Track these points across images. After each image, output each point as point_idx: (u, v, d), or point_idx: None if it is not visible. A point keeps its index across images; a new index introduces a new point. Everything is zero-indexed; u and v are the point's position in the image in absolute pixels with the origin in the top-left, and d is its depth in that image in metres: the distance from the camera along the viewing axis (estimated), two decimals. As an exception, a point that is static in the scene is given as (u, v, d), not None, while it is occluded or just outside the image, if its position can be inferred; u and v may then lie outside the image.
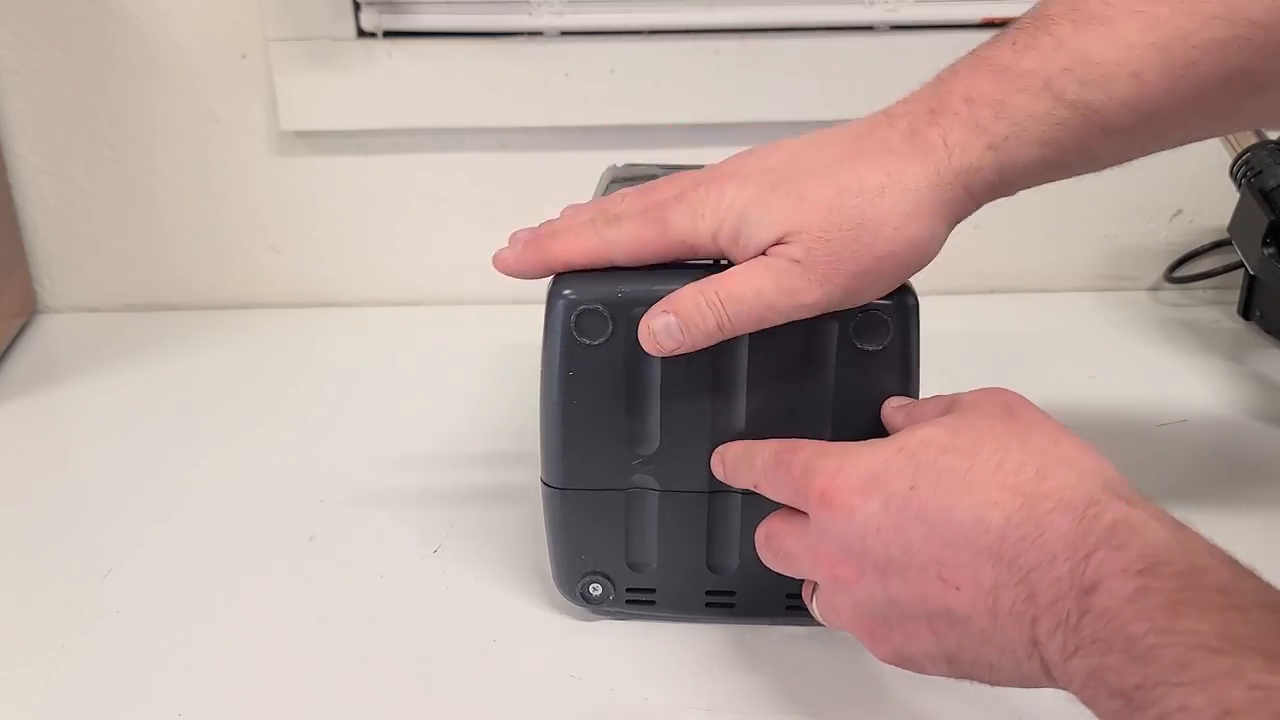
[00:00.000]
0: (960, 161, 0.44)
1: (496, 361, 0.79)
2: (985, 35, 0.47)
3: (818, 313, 0.45)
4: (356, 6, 0.80)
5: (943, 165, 0.44)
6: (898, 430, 0.44)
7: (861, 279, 0.44)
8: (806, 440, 0.45)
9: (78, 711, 0.50)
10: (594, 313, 0.47)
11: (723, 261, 0.46)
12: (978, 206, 0.46)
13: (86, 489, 0.67)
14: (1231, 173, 0.78)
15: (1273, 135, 0.77)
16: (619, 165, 0.65)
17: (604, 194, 0.59)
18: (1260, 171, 0.75)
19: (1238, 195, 0.77)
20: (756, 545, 0.47)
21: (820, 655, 0.52)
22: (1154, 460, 0.66)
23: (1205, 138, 0.49)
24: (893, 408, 0.47)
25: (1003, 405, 0.42)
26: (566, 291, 0.47)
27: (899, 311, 0.47)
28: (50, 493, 0.66)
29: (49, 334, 0.86)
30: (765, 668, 0.51)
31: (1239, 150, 0.77)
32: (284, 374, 0.79)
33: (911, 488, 0.39)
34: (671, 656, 0.52)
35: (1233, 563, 0.34)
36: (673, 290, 0.46)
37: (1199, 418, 0.71)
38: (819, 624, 0.46)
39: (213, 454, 0.69)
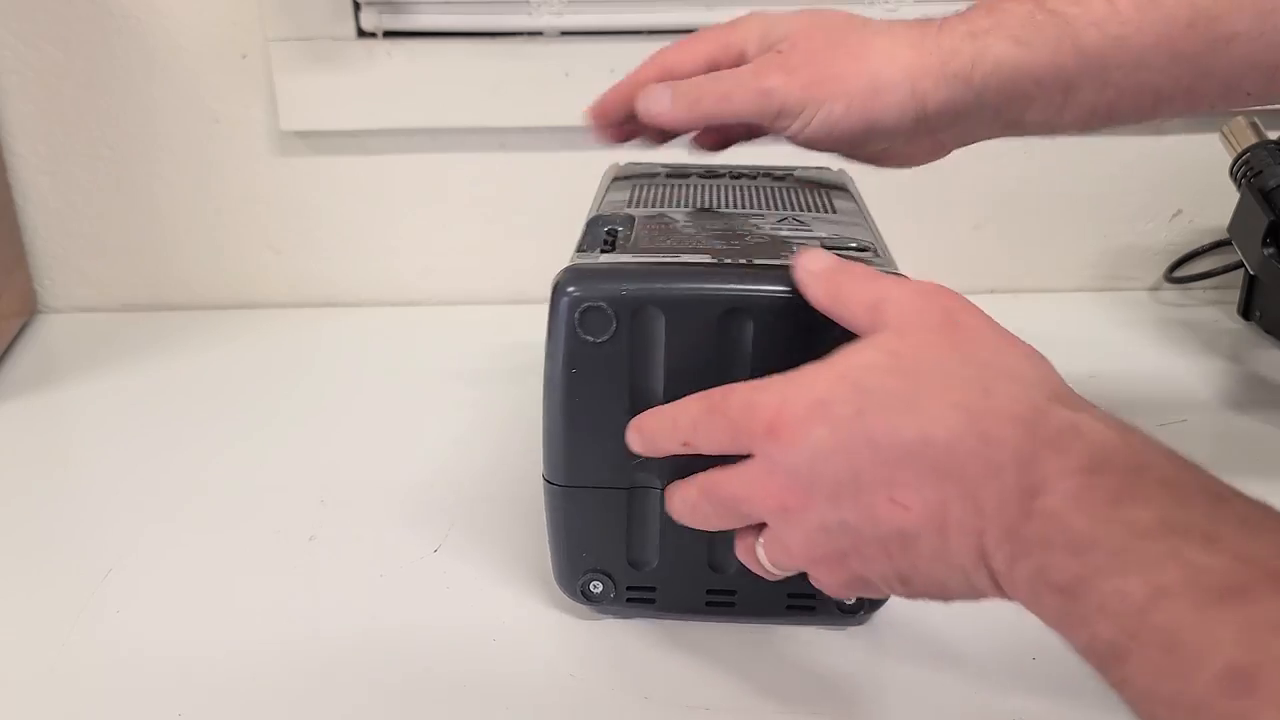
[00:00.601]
0: (945, 40, 0.51)
1: (496, 361, 0.79)
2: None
3: (775, 104, 0.51)
4: (356, 6, 0.80)
5: (929, 38, 0.51)
6: (806, 274, 0.45)
7: (822, 85, 0.51)
8: (734, 383, 0.43)
9: (78, 711, 0.50)
10: (598, 310, 0.47)
11: (740, 261, 0.47)
12: (948, 93, 0.51)
13: (86, 489, 0.67)
14: (1231, 173, 0.78)
15: (1273, 135, 0.77)
16: (620, 164, 0.65)
17: (605, 194, 0.59)
18: (1260, 171, 0.75)
19: (1238, 195, 0.77)
20: (682, 510, 0.46)
21: (820, 655, 0.52)
22: (1154, 460, 0.66)
23: (1179, 95, 0.51)
24: (810, 275, 0.45)
25: (942, 312, 0.41)
26: (571, 289, 0.47)
27: None
28: (50, 493, 0.66)
29: (49, 334, 0.86)
30: (765, 667, 0.51)
31: (1239, 150, 0.77)
32: (284, 374, 0.79)
33: (858, 412, 0.39)
34: (671, 656, 0.52)
35: (1176, 457, 0.35)
36: (677, 289, 0.46)
37: (1199, 418, 0.71)
38: (819, 623, 0.46)
39: (213, 454, 0.69)
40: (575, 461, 0.50)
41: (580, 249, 0.50)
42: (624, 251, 0.49)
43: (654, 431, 0.46)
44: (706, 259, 0.48)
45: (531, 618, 0.55)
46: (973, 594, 0.38)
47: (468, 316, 0.87)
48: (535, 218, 0.88)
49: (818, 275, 0.44)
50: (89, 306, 0.89)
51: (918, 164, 0.57)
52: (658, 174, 0.62)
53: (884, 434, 0.38)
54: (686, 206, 0.56)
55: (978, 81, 0.50)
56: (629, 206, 0.56)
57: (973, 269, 0.89)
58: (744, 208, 0.56)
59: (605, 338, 0.47)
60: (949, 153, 0.56)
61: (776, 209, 0.56)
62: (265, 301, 0.89)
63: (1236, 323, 0.83)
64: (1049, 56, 0.49)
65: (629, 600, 0.53)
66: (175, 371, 0.80)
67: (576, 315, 0.47)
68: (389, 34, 0.81)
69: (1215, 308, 0.86)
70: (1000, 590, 0.37)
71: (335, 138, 0.85)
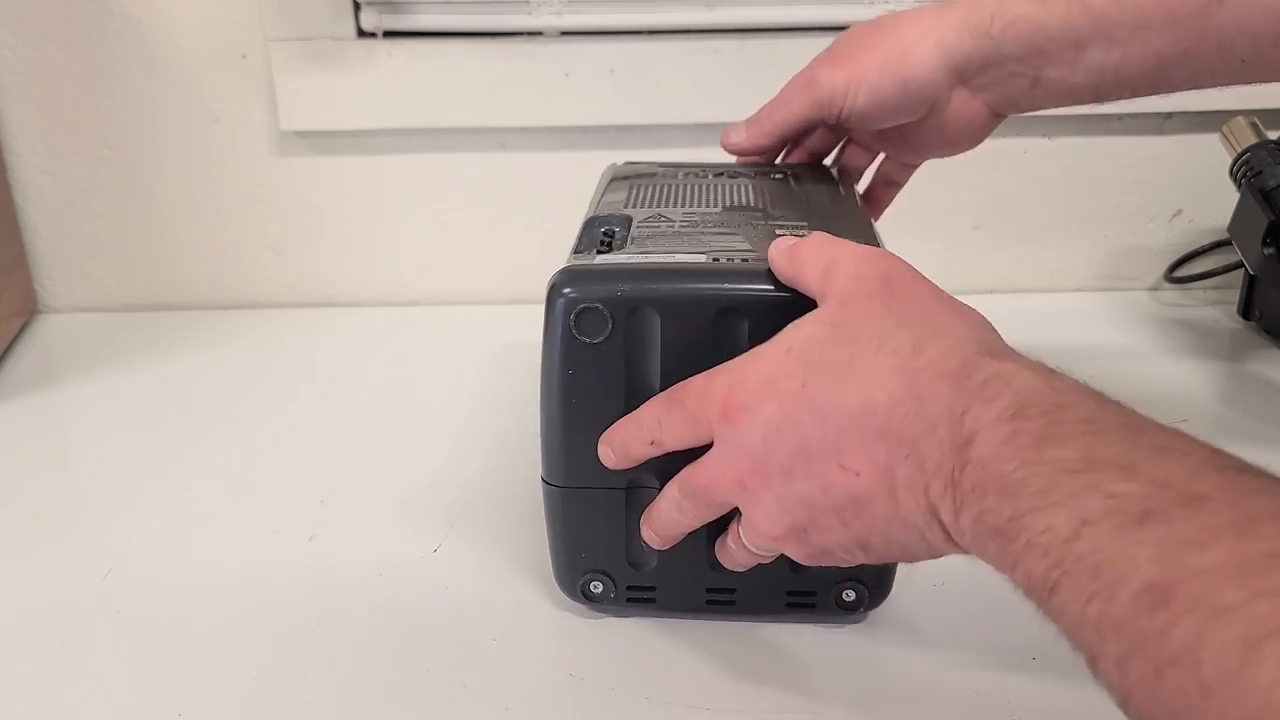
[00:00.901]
0: (965, 2, 0.57)
1: (496, 361, 0.79)
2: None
3: (825, 90, 0.59)
4: (356, 6, 0.80)
5: (951, 4, 0.58)
6: (775, 251, 0.46)
7: (858, 61, 0.58)
8: (692, 376, 0.45)
9: (78, 711, 0.50)
10: (593, 311, 0.47)
11: (736, 260, 0.48)
12: (972, 43, 0.57)
13: (86, 489, 0.67)
14: (1231, 173, 0.78)
15: (1273, 135, 0.77)
16: (619, 164, 0.65)
17: (603, 194, 0.59)
18: (1260, 171, 0.75)
19: (1238, 195, 0.77)
20: (669, 510, 0.47)
21: (820, 655, 0.52)
22: (1154, 460, 0.66)
23: (1179, 59, 0.54)
24: (778, 250, 0.47)
25: (881, 278, 0.43)
26: (566, 290, 0.47)
27: None
28: (50, 492, 0.66)
29: (49, 334, 0.86)
30: (765, 667, 0.51)
31: (1239, 150, 0.77)
32: (284, 374, 0.79)
33: (803, 385, 0.40)
34: (671, 656, 0.52)
35: (1097, 396, 0.37)
36: (672, 289, 0.46)
37: (1199, 418, 0.71)
38: (820, 621, 0.46)
39: (213, 454, 0.69)
40: (573, 462, 0.50)
41: (577, 250, 0.50)
42: (621, 252, 0.49)
43: (623, 439, 0.48)
44: (702, 258, 0.48)
45: (531, 618, 0.55)
46: (930, 551, 0.40)
47: (468, 316, 0.87)
48: (535, 218, 0.88)
49: (783, 250, 0.46)
50: (89, 306, 0.89)
51: (965, 142, 0.62)
52: (655, 174, 0.62)
53: (828, 403, 0.40)
54: (684, 205, 0.56)
55: (997, 34, 0.56)
56: (626, 206, 0.56)
57: (973, 269, 0.89)
58: (742, 205, 0.56)
59: (601, 339, 0.47)
60: (988, 130, 0.62)
61: (774, 206, 0.56)
62: (265, 301, 0.89)
63: (1236, 323, 0.83)
64: (1061, 14, 0.55)
65: (629, 600, 0.53)
66: (175, 371, 0.80)
67: (572, 317, 0.47)
68: (389, 34, 0.81)
69: (1215, 308, 0.86)
70: (954, 544, 0.38)
71: (335, 138, 0.85)
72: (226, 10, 0.81)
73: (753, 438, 0.41)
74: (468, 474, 0.66)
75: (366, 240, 0.88)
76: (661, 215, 0.54)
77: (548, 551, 0.53)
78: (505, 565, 0.58)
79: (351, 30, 0.81)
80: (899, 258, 0.44)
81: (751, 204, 0.56)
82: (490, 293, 0.89)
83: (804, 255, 0.45)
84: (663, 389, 0.48)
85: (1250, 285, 0.81)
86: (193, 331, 0.85)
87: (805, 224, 0.52)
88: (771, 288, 0.46)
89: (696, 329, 0.47)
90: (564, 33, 0.81)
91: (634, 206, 0.56)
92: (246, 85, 0.83)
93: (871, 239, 0.52)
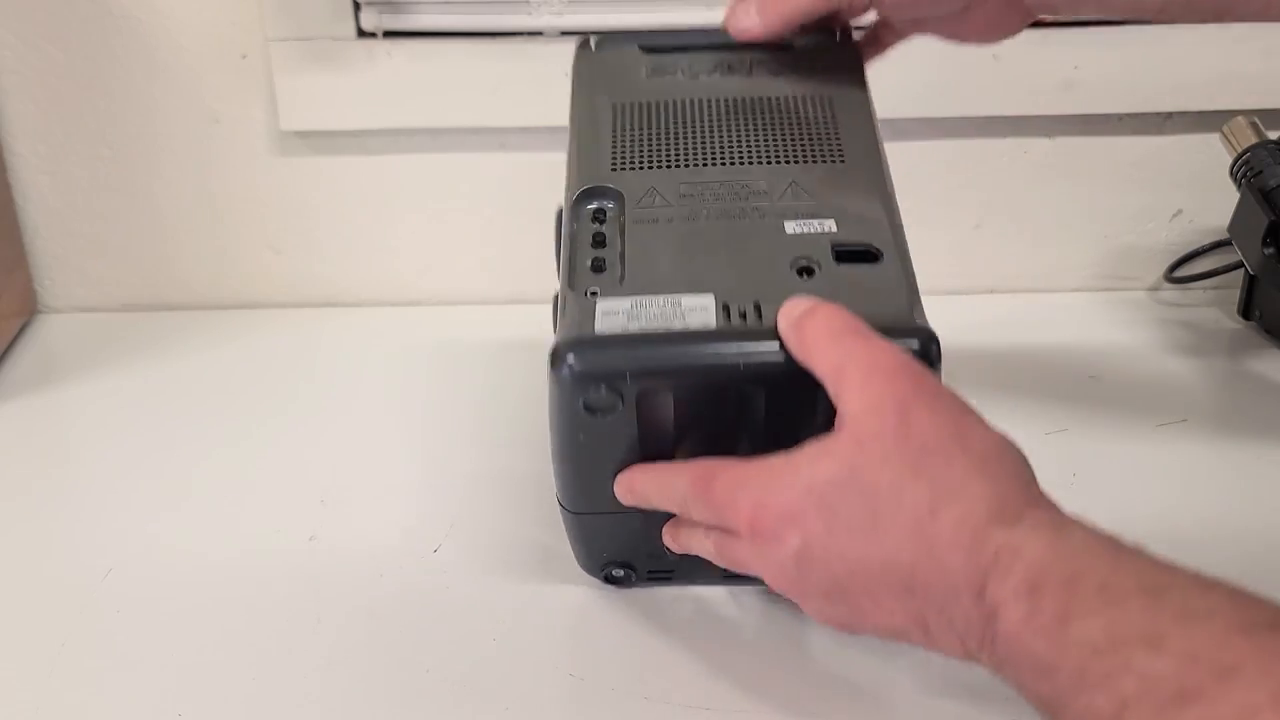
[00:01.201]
0: None
1: (496, 361, 0.79)
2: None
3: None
4: (356, 6, 0.80)
5: None
6: (785, 324, 0.44)
7: None
8: (717, 464, 0.45)
9: (78, 711, 0.50)
10: (600, 389, 0.45)
11: (747, 322, 0.46)
12: None
13: (86, 489, 0.67)
14: (1231, 173, 0.78)
15: (1273, 135, 0.77)
16: (591, 43, 0.62)
17: (587, 118, 0.56)
18: (1260, 171, 0.75)
19: (1238, 195, 0.77)
20: (691, 544, 0.48)
21: (820, 655, 0.52)
22: (1154, 460, 0.66)
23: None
24: (788, 322, 0.45)
25: (896, 410, 0.41)
26: (570, 362, 0.45)
27: None
28: (50, 492, 0.66)
29: (49, 334, 0.86)
30: (765, 667, 0.51)
31: (1239, 150, 0.77)
32: (284, 374, 0.79)
33: (827, 530, 0.41)
34: (671, 656, 0.52)
35: (1110, 550, 0.36)
36: (683, 364, 0.45)
37: (1199, 418, 0.71)
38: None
39: (213, 454, 0.69)
40: (588, 495, 0.50)
41: (570, 283, 0.48)
42: (616, 293, 0.47)
43: (644, 493, 0.48)
44: (711, 305, 0.46)
45: (532, 618, 0.55)
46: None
47: (468, 316, 0.87)
48: (535, 218, 0.87)
49: (794, 325, 0.44)
50: (89, 306, 0.89)
51: (999, 31, 0.57)
52: (639, 85, 0.58)
53: (854, 556, 0.40)
54: (679, 163, 0.53)
55: None
56: (614, 158, 0.53)
57: (973, 269, 0.89)
58: (742, 163, 0.53)
59: (610, 413, 0.46)
60: (1023, 23, 0.57)
61: (779, 164, 0.52)
62: (265, 301, 0.89)
63: (1236, 323, 0.83)
64: None
65: (649, 579, 0.54)
66: (175, 371, 0.80)
67: (580, 399, 0.46)
68: (389, 34, 0.81)
69: (1215, 308, 0.86)
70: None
71: (335, 138, 0.85)
72: (226, 10, 0.81)
73: (785, 561, 0.42)
74: (468, 474, 0.66)
75: (366, 240, 0.88)
76: (655, 190, 0.52)
77: (548, 552, 0.53)
78: (505, 565, 0.58)
79: (351, 30, 0.81)
80: (913, 367, 0.42)
81: (753, 158, 0.53)
82: (490, 293, 0.89)
83: (813, 342, 0.44)
84: (677, 449, 0.47)
85: (1250, 285, 0.81)
86: (193, 331, 0.85)
87: (816, 211, 0.49)
88: (784, 359, 0.44)
89: (709, 398, 0.46)
90: (564, 33, 0.81)
91: (622, 159, 0.53)
92: (246, 85, 0.83)
93: (888, 208, 0.50)
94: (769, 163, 0.53)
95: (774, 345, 0.45)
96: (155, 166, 0.85)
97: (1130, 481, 0.64)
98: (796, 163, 0.53)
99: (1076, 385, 0.75)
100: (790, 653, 0.52)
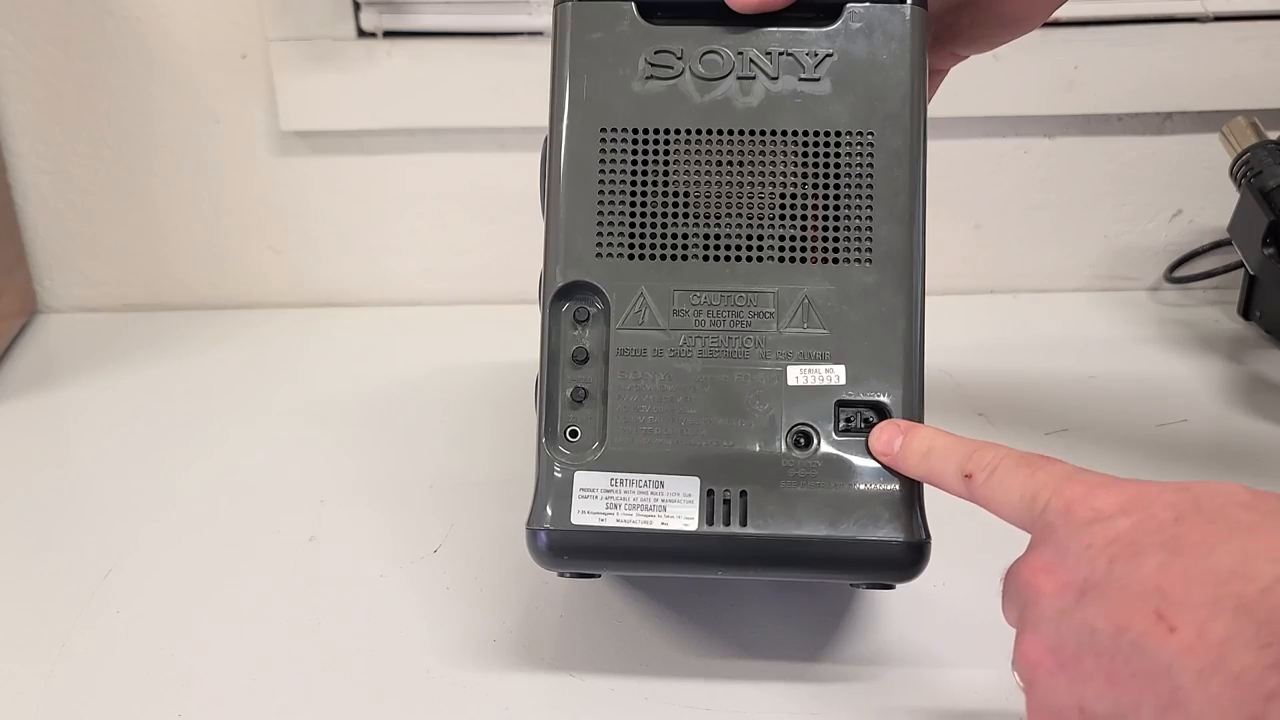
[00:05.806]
0: None
1: (496, 361, 0.79)
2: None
3: None
4: (356, 6, 0.80)
5: None
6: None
7: None
8: (1052, 465, 0.41)
9: (78, 712, 0.50)
10: (576, 570, 0.49)
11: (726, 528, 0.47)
12: None
13: (86, 489, 0.67)
14: (1231, 173, 0.78)
15: (1273, 135, 0.77)
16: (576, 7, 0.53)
17: (569, 104, 0.53)
18: (1260, 171, 0.75)
19: (1238, 195, 0.77)
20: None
21: (821, 655, 0.52)
22: (1154, 460, 0.66)
23: None
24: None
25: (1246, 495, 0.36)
26: (543, 546, 0.47)
27: None
28: (50, 493, 0.66)
29: (49, 334, 0.86)
30: (765, 666, 0.51)
31: (1239, 150, 0.77)
32: (284, 374, 0.79)
33: (1176, 519, 0.35)
34: (671, 657, 0.52)
35: None
36: (655, 565, 0.48)
37: (1199, 418, 0.71)
38: (855, 581, 0.48)
39: (213, 454, 0.69)
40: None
41: (547, 434, 0.47)
42: (595, 465, 0.46)
43: (923, 455, 0.45)
44: (695, 492, 0.46)
45: (532, 618, 0.55)
46: None
47: (468, 316, 0.87)
48: (535, 218, 0.88)
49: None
50: (89, 306, 0.89)
51: (1028, 20, 0.53)
52: (634, 76, 0.50)
53: (1192, 545, 0.34)
54: (674, 256, 0.47)
55: None
56: (598, 245, 0.47)
57: (973, 269, 0.89)
58: (749, 259, 0.47)
59: (591, 578, 0.52)
60: (1048, 11, 0.53)
61: (793, 264, 0.47)
62: (265, 301, 0.89)
63: (1236, 323, 0.83)
64: None
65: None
66: (175, 371, 0.80)
67: (554, 567, 0.49)
68: (389, 34, 0.81)
69: (1215, 308, 0.86)
70: None
71: (335, 138, 0.85)
72: (226, 10, 0.81)
73: (1074, 537, 0.37)
74: (467, 474, 0.66)
75: (366, 240, 0.88)
76: (644, 299, 0.47)
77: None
78: (505, 565, 0.58)
79: (351, 30, 0.81)
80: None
81: (762, 282, 0.47)
82: (490, 293, 0.89)
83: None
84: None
85: (1250, 285, 0.81)
86: (193, 331, 0.85)
87: (823, 360, 0.47)
88: (759, 568, 0.46)
89: (687, 580, 0.52)
90: (564, 33, 0.81)
91: (609, 240, 0.47)
92: (246, 85, 0.83)
93: (910, 318, 0.47)
94: (782, 258, 0.47)
95: (752, 563, 0.46)
96: (155, 166, 0.85)
97: (1130, 481, 0.64)
98: (815, 260, 0.47)
99: (1076, 385, 0.75)
100: (790, 653, 0.52)
